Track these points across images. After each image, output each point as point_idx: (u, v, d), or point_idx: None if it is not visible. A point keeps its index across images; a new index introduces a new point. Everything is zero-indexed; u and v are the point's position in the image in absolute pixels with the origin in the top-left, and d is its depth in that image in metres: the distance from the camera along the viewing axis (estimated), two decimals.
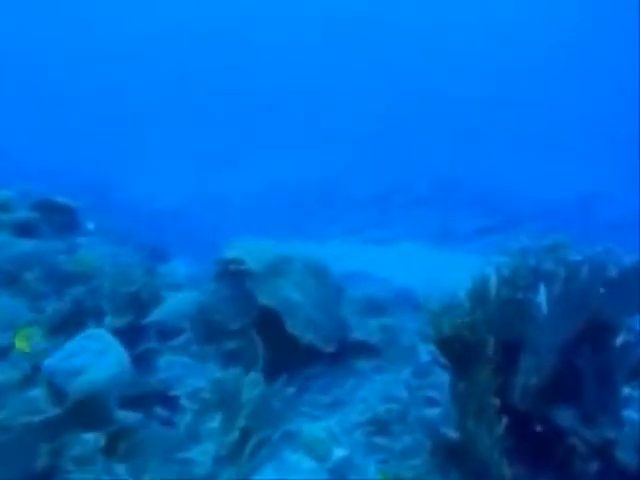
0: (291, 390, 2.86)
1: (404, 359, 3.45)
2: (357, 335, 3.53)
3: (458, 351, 2.23)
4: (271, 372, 2.91)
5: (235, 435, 2.47)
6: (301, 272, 3.38)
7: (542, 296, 2.20)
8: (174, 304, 3.46)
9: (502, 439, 2.03)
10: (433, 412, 2.83)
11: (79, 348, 2.50)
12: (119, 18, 34.71)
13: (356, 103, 28.44)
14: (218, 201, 13.11)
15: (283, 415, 2.72)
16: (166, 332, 3.44)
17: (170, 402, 2.78)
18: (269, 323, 3.18)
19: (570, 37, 30.42)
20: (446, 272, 6.14)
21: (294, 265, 3.39)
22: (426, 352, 3.43)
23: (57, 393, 2.37)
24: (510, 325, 2.25)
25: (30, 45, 33.19)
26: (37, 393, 2.45)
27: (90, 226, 4.91)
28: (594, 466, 2.06)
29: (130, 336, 3.12)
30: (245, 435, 2.48)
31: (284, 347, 3.14)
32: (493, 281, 2.28)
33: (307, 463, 2.61)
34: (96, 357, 2.47)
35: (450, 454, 2.37)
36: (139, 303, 3.40)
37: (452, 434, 2.36)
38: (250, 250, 3.36)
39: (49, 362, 2.49)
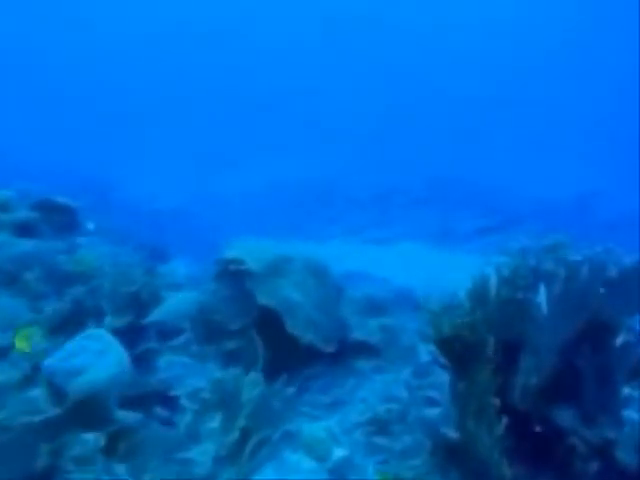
0: (291, 390, 2.86)
1: (404, 359, 3.45)
2: (357, 335, 3.52)
3: (458, 351, 2.22)
4: (271, 372, 2.90)
5: (235, 435, 2.46)
6: (301, 272, 3.38)
7: (542, 296, 2.20)
8: (174, 304, 3.45)
9: (502, 439, 2.03)
10: (433, 412, 2.83)
11: (79, 348, 2.50)
12: (119, 18, 34.69)
13: (356, 103, 28.45)
14: (218, 201, 13.10)
15: (283, 415, 2.72)
16: (166, 332, 3.43)
17: (170, 402, 2.78)
18: (269, 323, 3.18)
19: (570, 37, 30.42)
20: (446, 272, 6.13)
21: (294, 265, 3.39)
22: (426, 352, 3.43)
23: (57, 393, 2.37)
24: (510, 325, 2.25)
25: (30, 45, 33.17)
26: (37, 393, 2.44)
27: (90, 226, 4.91)
28: (594, 466, 2.06)
29: (130, 336, 3.12)
30: (245, 435, 2.48)
31: (284, 347, 3.14)
32: (493, 281, 2.28)
33: (307, 463, 2.61)
34: (96, 357, 2.47)
35: (450, 454, 2.37)
36: (139, 303, 3.40)
37: (452, 434, 2.36)
38: (250, 250, 3.35)
39: (49, 362, 2.49)
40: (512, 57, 31.60)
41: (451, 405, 2.33)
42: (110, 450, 2.21)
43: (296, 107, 28.16)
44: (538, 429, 2.19)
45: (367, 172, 14.75)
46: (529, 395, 2.17)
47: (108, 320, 3.21)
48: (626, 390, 2.41)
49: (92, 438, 2.19)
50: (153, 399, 2.72)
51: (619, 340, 2.20)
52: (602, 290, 2.15)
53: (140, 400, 2.66)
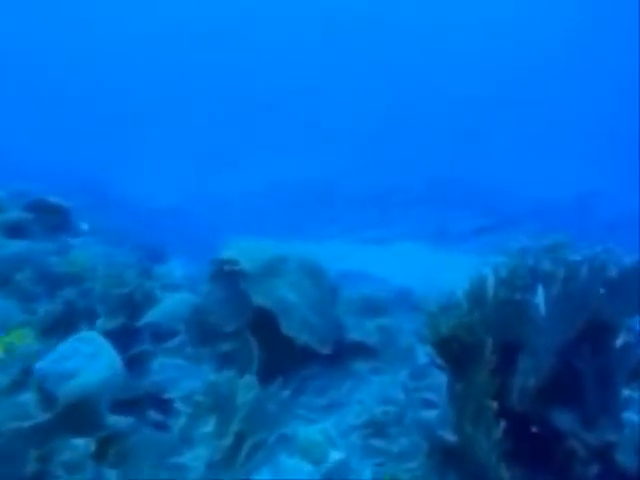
0: (286, 393, 2.82)
1: (401, 360, 3.42)
2: (354, 336, 3.49)
3: (455, 352, 2.20)
4: (266, 374, 2.87)
5: (229, 439, 2.43)
6: (296, 272, 3.34)
7: (540, 297, 2.17)
8: (168, 305, 3.42)
9: (500, 442, 2.00)
10: (430, 414, 2.80)
11: (71, 351, 2.46)
12: (119, 18, 34.71)
13: (356, 103, 28.47)
14: (217, 201, 13.10)
15: (278, 418, 2.69)
16: (160, 334, 3.40)
17: (164, 405, 2.74)
18: (264, 324, 3.14)
19: (570, 37, 30.42)
20: (444, 272, 6.11)
21: (289, 265, 3.35)
22: (423, 353, 3.40)
23: (48, 397, 2.33)
24: (508, 326, 2.22)
25: (30, 45, 33.19)
26: (27, 397, 2.41)
27: (84, 226, 4.88)
28: (594, 469, 2.04)
29: (123, 338, 3.09)
30: (240, 439, 2.45)
31: (279, 349, 3.10)
32: (491, 282, 2.25)
33: (303, 467, 2.57)
34: (88, 360, 2.43)
35: (447, 457, 2.35)
36: (132, 304, 3.37)
37: (449, 436, 2.33)
38: (244, 250, 3.32)
39: (40, 365, 2.45)
40: (512, 57, 31.61)
41: (448, 407, 2.30)
42: (101, 455, 2.17)
43: (296, 107, 28.19)
44: (537, 432, 2.16)
45: (367, 172, 14.76)
46: (527, 397, 2.14)
47: (100, 322, 3.17)
48: (626, 392, 2.38)
49: (82, 443, 2.15)
50: (146, 402, 2.69)
51: (619, 341, 2.18)
52: (602, 290, 2.12)
53: (133, 403, 2.62)
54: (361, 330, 3.56)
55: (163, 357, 3.26)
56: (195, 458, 2.42)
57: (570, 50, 30.48)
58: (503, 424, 2.00)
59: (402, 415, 2.86)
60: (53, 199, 4.47)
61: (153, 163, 17.20)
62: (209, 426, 2.55)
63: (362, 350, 3.48)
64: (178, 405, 2.75)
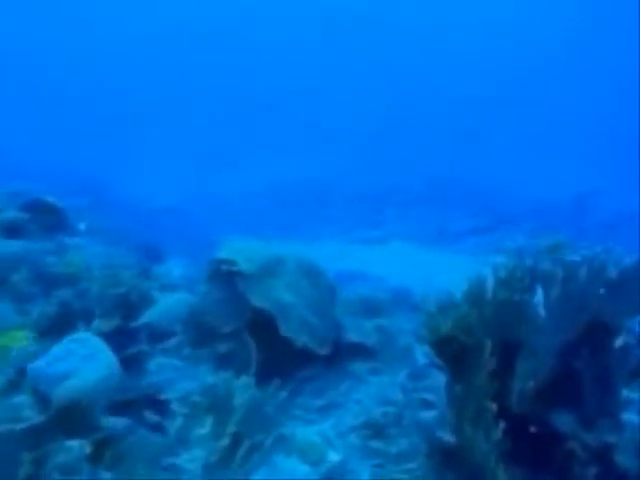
0: (284, 394, 2.80)
1: (400, 361, 3.40)
2: (352, 337, 3.47)
3: (454, 352, 2.18)
4: (264, 375, 2.86)
5: (226, 441, 2.41)
6: (294, 273, 3.32)
7: (539, 297, 2.16)
8: (166, 306, 3.40)
9: (499, 444, 1.99)
10: (429, 415, 2.78)
11: (65, 352, 2.44)
12: (119, 18, 34.72)
13: (356, 103, 28.50)
14: (217, 201, 13.10)
15: (276, 420, 2.67)
16: (157, 334, 3.38)
17: (160, 406, 2.72)
18: (262, 325, 3.12)
19: (570, 37, 30.43)
20: (442, 272, 6.10)
21: (287, 266, 3.33)
22: (422, 354, 3.38)
23: (42, 399, 2.31)
24: (507, 327, 2.21)
25: (30, 45, 33.20)
26: (21, 399, 2.39)
27: (81, 226, 4.86)
28: (593, 470, 2.03)
29: (120, 339, 3.07)
30: (236, 440, 2.43)
31: (277, 349, 3.08)
32: (490, 282, 2.24)
33: (301, 468, 2.56)
34: (83, 361, 2.41)
35: (446, 458, 2.33)
36: (128, 305, 3.35)
37: (448, 438, 2.32)
38: (242, 250, 3.30)
39: (34, 366, 2.43)
40: (512, 57, 31.62)
41: (447, 408, 2.29)
42: (96, 458, 2.15)
43: (296, 107, 28.21)
44: (536, 433, 2.15)
45: (366, 172, 14.76)
46: (527, 398, 2.13)
47: (96, 323, 3.15)
48: (626, 393, 2.37)
49: (77, 445, 2.13)
50: (143, 403, 2.67)
51: (619, 342, 2.16)
52: (601, 291, 2.11)
53: (129, 405, 2.60)
54: (359, 330, 3.54)
55: (160, 358, 3.24)
56: (191, 460, 2.40)
57: (570, 50, 30.50)
58: (502, 425, 1.99)
59: (401, 416, 2.84)
60: (50, 199, 4.45)
61: (153, 163, 17.21)
62: (206, 427, 2.54)
63: (360, 351, 3.46)
64: (175, 406, 2.73)
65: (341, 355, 3.35)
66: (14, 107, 26.02)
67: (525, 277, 2.20)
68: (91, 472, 2.11)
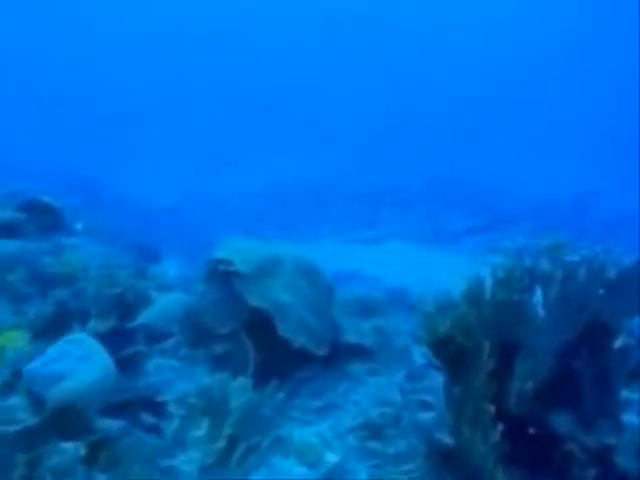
0: (281, 395, 2.78)
1: (398, 362, 3.39)
2: (350, 337, 3.45)
3: (453, 353, 2.17)
4: (262, 376, 2.84)
5: (222, 442, 2.39)
6: (292, 273, 3.30)
7: (538, 298, 2.14)
8: (162, 306, 3.38)
9: (497, 446, 1.97)
10: (427, 416, 2.77)
11: (61, 353, 2.42)
12: (119, 18, 34.71)
13: (356, 103, 28.51)
14: (216, 201, 13.08)
15: (273, 421, 2.65)
16: (154, 335, 3.36)
17: (157, 408, 2.70)
18: (259, 326, 3.10)
19: (570, 37, 30.43)
20: (440, 272, 6.08)
21: (284, 266, 3.31)
22: (420, 354, 3.37)
23: (37, 401, 2.29)
24: (506, 327, 2.19)
25: (30, 45, 33.21)
26: (16, 401, 2.36)
27: (78, 226, 4.84)
28: (592, 472, 2.02)
29: (116, 339, 3.05)
30: (233, 442, 2.41)
31: (275, 350, 3.07)
32: (488, 283, 2.22)
33: (298, 469, 2.54)
34: (78, 363, 2.39)
35: (444, 459, 2.32)
36: (125, 305, 3.33)
37: (446, 439, 2.30)
38: (239, 250, 3.28)
39: (29, 368, 2.41)
40: (512, 57, 31.62)
41: (446, 410, 2.27)
42: (90, 460, 2.13)
43: (296, 107, 28.21)
44: (534, 434, 2.13)
45: (366, 172, 14.75)
46: (525, 399, 2.12)
47: (92, 323, 3.13)
48: (625, 393, 2.36)
49: (71, 447, 2.11)
50: (139, 405, 2.65)
51: (618, 342, 2.15)
52: (601, 291, 2.09)
53: (126, 406, 2.58)
54: (357, 331, 3.52)
55: (157, 358, 3.22)
56: (188, 461, 2.38)
57: (570, 50, 30.49)
58: (501, 427, 1.97)
59: (399, 417, 2.83)
60: (46, 199, 4.43)
61: (153, 163, 17.19)
62: (202, 429, 2.52)
63: (358, 351, 3.44)
64: (171, 408, 2.71)
65: (339, 356, 3.34)
66: (14, 107, 26.03)
67: (524, 277, 2.19)
68: (86, 474, 2.09)
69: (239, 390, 2.53)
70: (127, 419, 2.50)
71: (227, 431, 2.40)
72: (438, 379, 2.50)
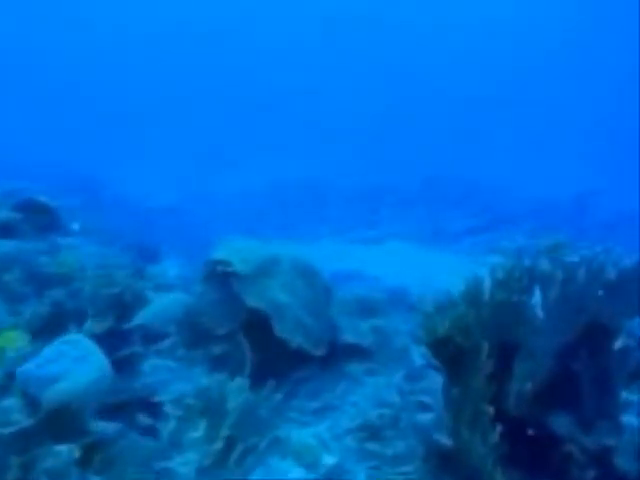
0: (279, 396, 2.77)
1: (396, 362, 3.37)
2: (348, 337, 3.44)
3: (452, 354, 2.16)
4: (259, 377, 2.83)
5: (220, 444, 2.38)
6: (289, 273, 3.28)
7: (537, 299, 2.13)
8: (160, 306, 3.36)
9: (496, 447, 1.96)
10: (426, 417, 2.75)
11: (56, 354, 2.40)
12: (119, 18, 34.72)
13: (355, 103, 28.53)
14: (215, 200, 13.06)
15: (270, 422, 2.64)
16: (151, 335, 3.35)
17: (153, 409, 2.69)
18: (257, 326, 3.09)
19: (570, 37, 30.43)
20: (439, 272, 6.06)
21: (282, 266, 3.30)
22: (419, 355, 3.36)
23: (31, 402, 2.27)
24: (505, 328, 2.18)
25: (30, 45, 33.22)
26: (10, 402, 2.34)
27: (75, 226, 4.82)
28: (591, 473, 2.01)
29: (113, 340, 3.04)
30: (230, 444, 2.40)
31: (272, 351, 3.05)
32: (487, 283, 2.21)
33: (296, 471, 2.53)
34: (73, 364, 2.37)
35: (443, 461, 2.32)
36: (122, 305, 3.31)
37: (445, 440, 2.29)
38: (237, 251, 3.26)
39: (24, 369, 2.39)
40: (512, 57, 31.63)
41: (444, 411, 2.26)
42: (85, 462, 2.11)
43: (296, 107, 28.22)
44: (534, 436, 2.12)
45: (366, 172, 14.74)
46: (524, 401, 2.11)
47: (89, 324, 3.11)
48: (625, 395, 2.34)
49: (66, 450, 2.09)
50: (136, 406, 2.63)
51: (618, 344, 2.14)
52: (600, 292, 2.08)
53: (122, 407, 2.57)
54: (355, 331, 3.51)
55: (154, 359, 3.21)
56: (184, 463, 2.37)
57: (570, 50, 30.50)
58: (499, 428, 1.96)
59: (397, 418, 2.81)
60: (43, 198, 4.41)
61: (152, 162, 17.19)
62: (199, 430, 2.50)
63: (356, 352, 3.42)
64: (168, 409, 2.70)
65: (337, 356, 3.33)
66: (14, 106, 26.04)
67: (523, 278, 2.18)
68: (80, 476, 2.07)
69: (236, 391, 2.52)
70: (123, 420, 2.48)
71: (224, 432, 2.38)
72: (437, 380, 2.49)
